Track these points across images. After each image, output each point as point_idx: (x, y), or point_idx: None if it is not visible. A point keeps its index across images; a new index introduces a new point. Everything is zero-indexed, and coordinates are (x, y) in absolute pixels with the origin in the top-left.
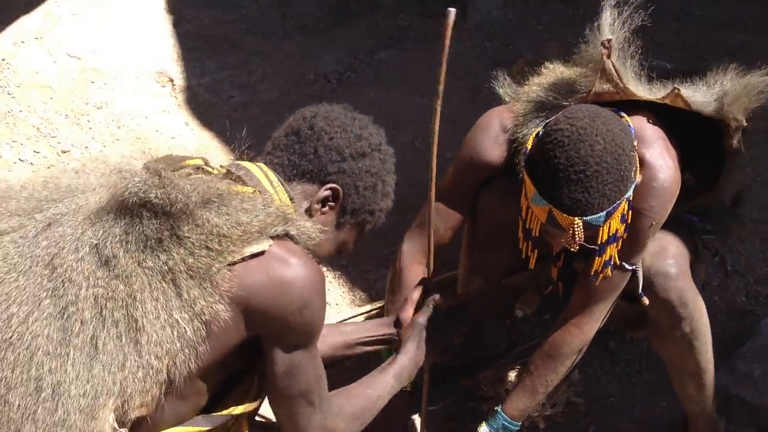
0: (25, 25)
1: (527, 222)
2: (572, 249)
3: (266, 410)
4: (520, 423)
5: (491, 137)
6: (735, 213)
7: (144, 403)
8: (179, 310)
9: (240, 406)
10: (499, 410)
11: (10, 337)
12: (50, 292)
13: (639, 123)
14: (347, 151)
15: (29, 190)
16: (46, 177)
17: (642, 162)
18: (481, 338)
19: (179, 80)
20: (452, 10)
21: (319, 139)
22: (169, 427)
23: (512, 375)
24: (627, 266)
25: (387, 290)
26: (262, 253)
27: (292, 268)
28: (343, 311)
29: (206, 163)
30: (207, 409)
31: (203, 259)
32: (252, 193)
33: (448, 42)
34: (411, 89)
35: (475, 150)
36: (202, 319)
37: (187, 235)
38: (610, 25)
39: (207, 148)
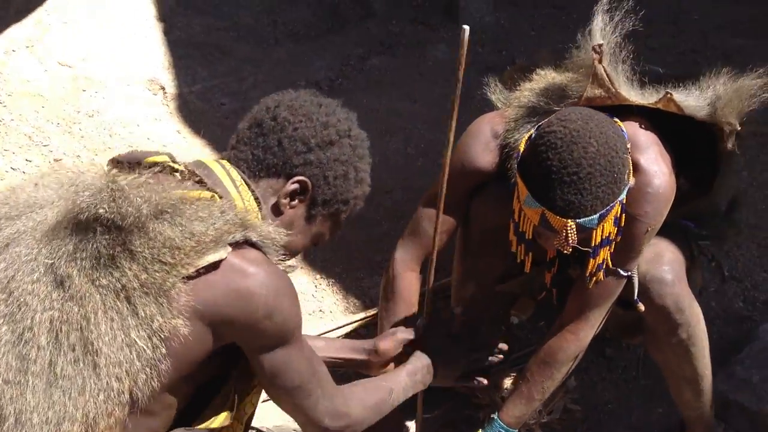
0: (15, 33)
1: (520, 225)
2: (565, 251)
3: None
4: (516, 430)
5: (482, 143)
6: (731, 218)
7: (108, 425)
8: (136, 329)
9: (219, 417)
10: (496, 417)
11: None
12: (7, 318)
13: (632, 128)
14: (313, 141)
15: None
16: (6, 190)
17: (636, 168)
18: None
19: (170, 88)
20: (466, 28)
21: (282, 131)
22: None
23: (508, 382)
24: (622, 272)
25: (380, 297)
26: (220, 263)
27: (251, 277)
28: (336, 319)
29: (172, 160)
30: (187, 421)
31: (157, 274)
32: (210, 198)
33: (463, 61)
34: (402, 95)
35: (467, 156)
36: (161, 337)
37: (140, 249)
38: (601, 30)
39: (199, 156)
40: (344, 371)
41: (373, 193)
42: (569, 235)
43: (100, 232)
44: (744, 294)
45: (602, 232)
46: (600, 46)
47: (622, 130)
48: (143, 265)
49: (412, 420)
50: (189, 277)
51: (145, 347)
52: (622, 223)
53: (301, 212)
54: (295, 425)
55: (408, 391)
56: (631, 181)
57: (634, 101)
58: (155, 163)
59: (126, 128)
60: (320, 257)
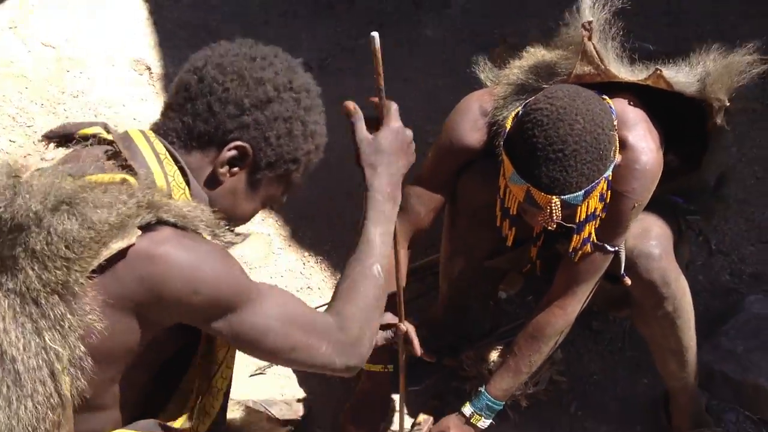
0: None
1: (505, 201)
2: (550, 227)
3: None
4: (503, 402)
5: (470, 121)
6: (719, 193)
7: (47, 428)
8: (50, 331)
9: (179, 420)
10: (483, 390)
11: None
12: None
13: (621, 105)
14: (247, 102)
15: None
16: None
17: (624, 144)
18: (464, 319)
19: (157, 68)
20: (375, 35)
21: (211, 93)
22: None
23: (494, 355)
24: (609, 248)
25: None
26: (127, 250)
27: (158, 261)
28: (325, 296)
29: (106, 130)
30: (155, 411)
31: (58, 271)
32: (121, 181)
33: (380, 71)
34: (393, 75)
35: (455, 134)
36: (76, 336)
37: (38, 247)
38: (590, 7)
39: None
40: None
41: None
42: (554, 211)
43: (3, 233)
44: (731, 267)
45: (587, 208)
46: (589, 23)
47: (611, 107)
48: (44, 263)
49: (397, 394)
50: (97, 270)
51: (60, 350)
52: (608, 200)
53: (244, 179)
54: (282, 396)
55: (389, 241)
56: (618, 157)
57: (624, 78)
58: (87, 137)
59: (111, 108)
60: (308, 235)
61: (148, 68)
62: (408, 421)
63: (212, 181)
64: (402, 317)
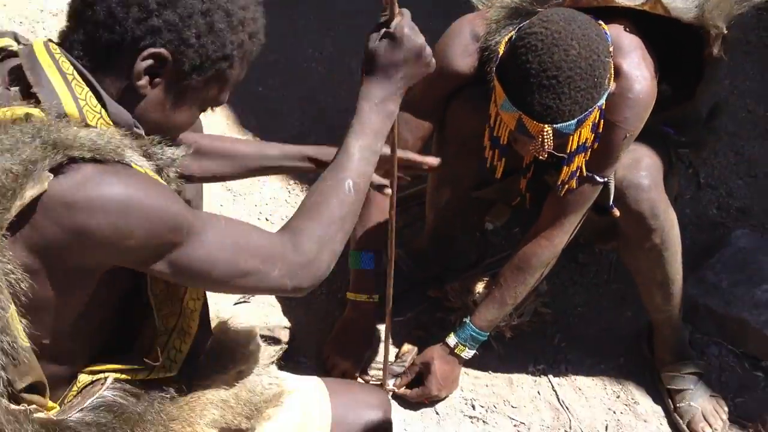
0: None
1: (495, 129)
2: (540, 157)
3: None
4: (488, 333)
5: (461, 45)
6: (711, 125)
7: (10, 378)
8: None
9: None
10: (468, 321)
11: None
12: None
13: (616, 31)
14: (152, 1)
15: None
16: None
17: (618, 72)
18: (449, 250)
19: None
20: None
21: None
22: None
23: (480, 286)
24: (598, 178)
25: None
26: (39, 198)
27: (79, 207)
28: None
29: (17, 40)
30: (129, 345)
31: None
32: (24, 116)
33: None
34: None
35: (445, 58)
36: (7, 294)
37: None
38: None
39: None
40: None
41: (348, 108)
42: (545, 140)
43: None
44: (718, 201)
45: (579, 138)
46: None
47: (606, 33)
48: None
49: (382, 324)
50: (15, 224)
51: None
52: (600, 129)
53: (169, 87)
54: (266, 325)
55: (370, 157)
56: (612, 85)
57: (620, 3)
58: None
59: None
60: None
61: None
62: (392, 352)
63: (133, 97)
64: (393, 246)
